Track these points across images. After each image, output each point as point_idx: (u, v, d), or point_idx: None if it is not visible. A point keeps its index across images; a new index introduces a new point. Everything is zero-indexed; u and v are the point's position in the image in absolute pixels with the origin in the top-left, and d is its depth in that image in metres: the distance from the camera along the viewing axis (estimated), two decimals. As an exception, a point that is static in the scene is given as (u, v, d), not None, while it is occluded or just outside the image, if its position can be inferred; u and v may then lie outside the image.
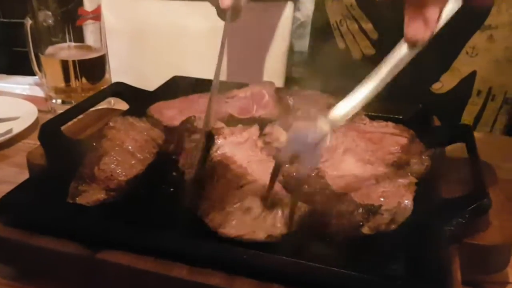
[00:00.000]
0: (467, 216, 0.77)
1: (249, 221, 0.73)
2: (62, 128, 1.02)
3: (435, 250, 0.74)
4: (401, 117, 1.20)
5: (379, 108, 1.17)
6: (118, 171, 0.86)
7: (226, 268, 0.72)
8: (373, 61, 0.71)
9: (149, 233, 0.77)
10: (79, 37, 1.47)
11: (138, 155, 0.93)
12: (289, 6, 1.87)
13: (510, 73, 1.36)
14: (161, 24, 1.92)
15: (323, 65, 1.46)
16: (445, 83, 1.40)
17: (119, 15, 1.92)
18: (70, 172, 0.88)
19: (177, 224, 0.79)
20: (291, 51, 2.17)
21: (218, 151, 0.88)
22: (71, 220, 0.80)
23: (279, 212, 0.75)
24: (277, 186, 0.80)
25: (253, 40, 1.82)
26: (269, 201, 0.74)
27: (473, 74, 1.37)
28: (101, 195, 0.83)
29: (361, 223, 0.74)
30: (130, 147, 0.93)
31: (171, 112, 1.08)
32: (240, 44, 1.64)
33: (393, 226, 0.78)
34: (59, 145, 0.97)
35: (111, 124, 0.97)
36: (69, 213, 0.81)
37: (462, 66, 1.36)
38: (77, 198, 0.82)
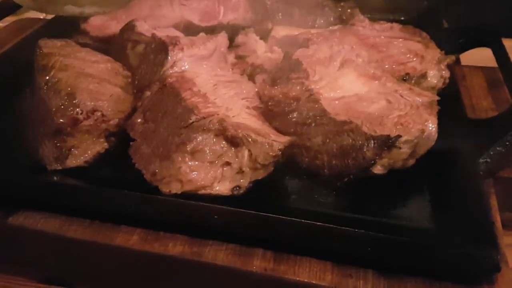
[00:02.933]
0: (507, 143, 0.59)
1: (203, 168, 0.52)
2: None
3: (468, 189, 0.56)
4: (402, 18, 0.97)
5: (373, 6, 0.94)
6: (108, 108, 0.60)
7: (193, 231, 0.53)
8: None
9: (82, 188, 0.56)
10: None
11: (116, 81, 0.65)
12: None
13: None
14: None
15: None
16: None
17: None
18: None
19: (123, 176, 0.58)
20: None
21: (173, 68, 0.64)
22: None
23: (246, 153, 0.53)
24: (245, 115, 0.58)
25: None
26: (230, 138, 0.52)
27: None
28: (102, 145, 0.59)
29: (372, 161, 0.54)
30: (96, 73, 0.64)
31: (101, 19, 0.81)
32: None
33: (411, 162, 0.59)
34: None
35: (44, 50, 0.67)
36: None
37: None
38: (66, 161, 0.57)
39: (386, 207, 0.56)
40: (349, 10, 0.88)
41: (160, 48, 0.66)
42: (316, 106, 0.59)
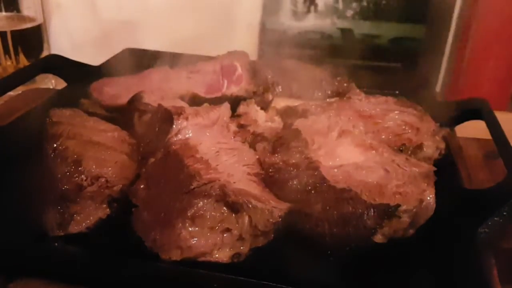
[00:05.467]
0: (504, 213, 0.59)
1: (203, 234, 0.52)
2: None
3: (468, 260, 0.56)
4: (396, 91, 1.01)
5: (367, 81, 0.98)
6: (112, 174, 0.61)
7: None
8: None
9: (83, 256, 0.55)
10: (11, 5, 1.22)
11: (122, 148, 0.67)
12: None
13: None
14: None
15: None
16: None
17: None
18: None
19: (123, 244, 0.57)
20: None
21: (178, 136, 0.66)
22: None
23: (246, 219, 0.53)
24: (246, 181, 0.60)
25: (219, 10, 1.59)
26: (230, 203, 0.53)
27: None
28: (104, 211, 0.60)
29: (373, 230, 0.55)
30: (103, 141, 0.66)
31: (114, 90, 0.85)
32: (206, 14, 1.42)
33: (410, 231, 0.59)
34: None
35: (53, 119, 0.70)
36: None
37: None
38: (69, 227, 0.57)
39: (387, 278, 0.55)
40: (345, 84, 0.92)
41: (166, 117, 0.68)
42: (316, 173, 0.60)
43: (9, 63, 1.20)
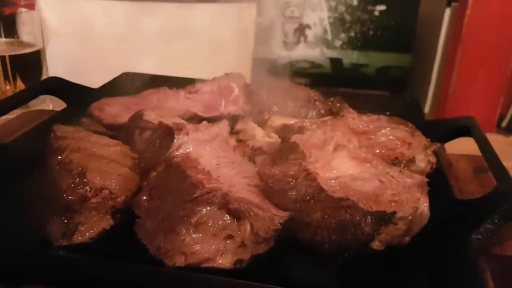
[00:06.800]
0: (496, 220, 0.61)
1: (206, 241, 0.53)
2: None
3: (463, 266, 0.57)
4: (387, 112, 1.05)
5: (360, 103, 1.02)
6: (116, 186, 0.62)
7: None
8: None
9: (87, 262, 0.56)
10: (11, 31, 1.25)
11: (125, 162, 0.68)
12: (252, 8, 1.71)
13: None
14: (109, 25, 1.71)
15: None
16: None
17: (62, 15, 1.71)
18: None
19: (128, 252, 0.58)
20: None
21: (179, 151, 0.68)
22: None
23: (248, 226, 0.55)
24: (247, 192, 0.61)
25: (213, 39, 1.64)
26: (232, 211, 0.55)
27: None
28: (108, 222, 0.61)
29: (371, 236, 0.56)
30: (107, 154, 0.68)
31: (115, 109, 0.88)
32: (200, 44, 1.46)
33: (406, 238, 0.61)
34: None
35: (57, 134, 0.72)
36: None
37: None
38: (73, 237, 0.58)
39: (384, 284, 0.57)
40: (338, 104, 0.96)
41: (167, 133, 0.71)
42: (314, 184, 0.62)
43: (8, 87, 1.22)
